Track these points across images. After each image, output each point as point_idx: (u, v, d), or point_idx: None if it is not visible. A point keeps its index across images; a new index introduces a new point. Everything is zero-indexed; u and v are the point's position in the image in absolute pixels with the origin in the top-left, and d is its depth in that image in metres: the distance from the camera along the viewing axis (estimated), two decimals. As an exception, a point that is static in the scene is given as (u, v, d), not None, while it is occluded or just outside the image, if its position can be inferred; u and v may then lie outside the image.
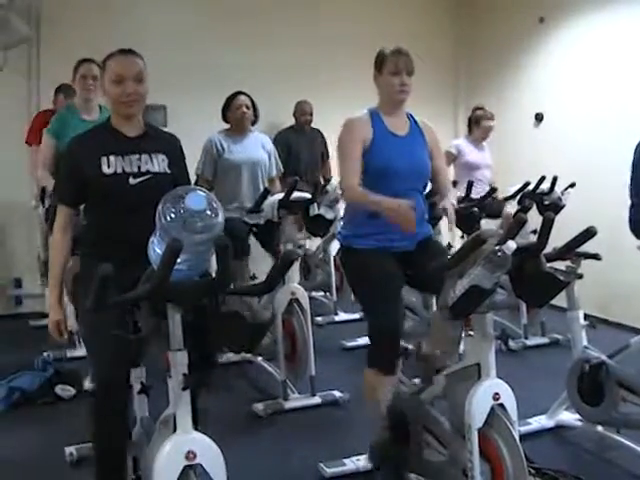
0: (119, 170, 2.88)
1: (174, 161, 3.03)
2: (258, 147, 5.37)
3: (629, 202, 4.52)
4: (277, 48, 7.39)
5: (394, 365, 3.27)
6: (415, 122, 3.57)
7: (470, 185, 5.54)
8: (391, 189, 3.33)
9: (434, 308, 4.38)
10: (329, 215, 5.46)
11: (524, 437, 3.07)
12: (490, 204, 5.65)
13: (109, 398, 2.75)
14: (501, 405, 2.77)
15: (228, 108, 5.37)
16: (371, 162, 3.39)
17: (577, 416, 3.92)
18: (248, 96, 5.37)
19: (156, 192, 2.68)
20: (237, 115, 5.30)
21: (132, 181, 2.90)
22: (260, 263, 5.10)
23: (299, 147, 7.24)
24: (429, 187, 3.71)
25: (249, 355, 4.96)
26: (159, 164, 2.97)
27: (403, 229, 3.14)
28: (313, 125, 7.50)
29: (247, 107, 5.31)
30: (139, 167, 2.92)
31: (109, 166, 2.88)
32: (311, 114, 7.47)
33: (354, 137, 3.40)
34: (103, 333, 2.44)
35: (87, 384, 4.52)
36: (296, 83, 7.46)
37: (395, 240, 3.36)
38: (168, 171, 2.99)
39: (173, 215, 2.21)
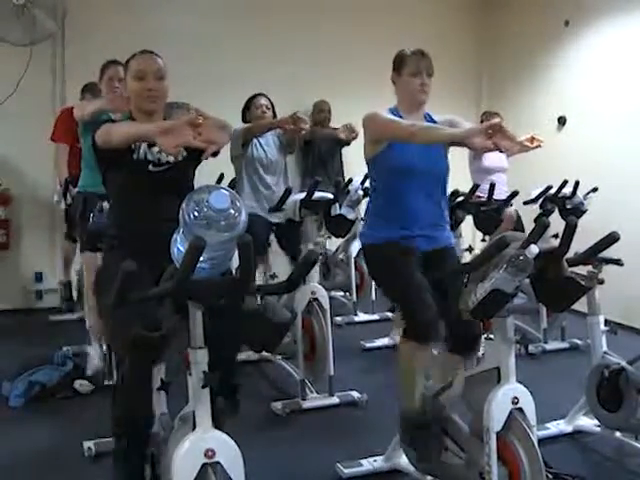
0: (142, 157, 2.94)
1: (192, 151, 3.04)
2: (276, 146, 5.38)
3: None
4: (296, 50, 7.41)
5: (431, 335, 3.20)
6: (433, 122, 3.48)
7: (492, 187, 5.53)
8: (409, 189, 3.34)
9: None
10: (350, 215, 5.45)
11: (542, 441, 3.05)
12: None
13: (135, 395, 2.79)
14: (520, 409, 2.77)
15: (248, 109, 5.41)
16: (390, 161, 3.37)
17: (595, 422, 3.90)
18: (267, 97, 5.41)
19: (174, 182, 2.74)
20: (257, 114, 5.32)
21: (152, 168, 2.95)
22: (279, 263, 5.14)
23: (318, 145, 7.24)
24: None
25: (268, 354, 4.97)
26: (178, 155, 2.99)
27: None
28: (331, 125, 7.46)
29: (267, 107, 5.35)
30: (159, 159, 2.97)
31: (136, 150, 2.93)
32: (329, 111, 7.50)
33: (384, 114, 3.37)
34: (125, 329, 2.45)
35: (105, 380, 4.60)
36: (315, 84, 7.47)
37: (416, 238, 3.36)
38: (187, 161, 3.03)
39: (197, 213, 2.21)
